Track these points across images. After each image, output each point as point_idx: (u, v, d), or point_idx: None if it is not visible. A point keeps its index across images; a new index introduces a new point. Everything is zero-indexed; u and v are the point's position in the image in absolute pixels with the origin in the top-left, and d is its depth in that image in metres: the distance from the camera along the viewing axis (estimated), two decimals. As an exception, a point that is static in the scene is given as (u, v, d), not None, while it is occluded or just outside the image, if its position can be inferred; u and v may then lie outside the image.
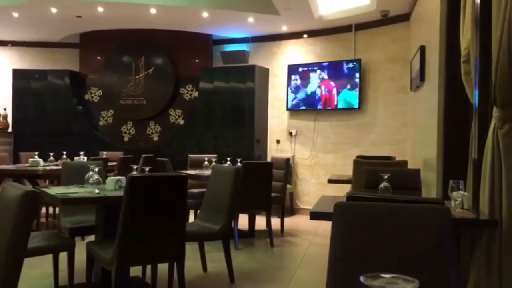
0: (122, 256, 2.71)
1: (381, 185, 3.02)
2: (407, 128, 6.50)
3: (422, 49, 4.75)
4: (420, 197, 1.51)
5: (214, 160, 5.85)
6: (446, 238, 1.42)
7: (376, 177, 3.10)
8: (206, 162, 5.84)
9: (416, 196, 2.81)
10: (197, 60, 8.15)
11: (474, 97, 2.92)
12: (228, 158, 5.94)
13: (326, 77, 7.27)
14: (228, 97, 7.63)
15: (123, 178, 3.25)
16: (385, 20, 6.63)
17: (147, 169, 3.68)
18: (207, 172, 5.32)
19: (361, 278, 0.64)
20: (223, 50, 8.08)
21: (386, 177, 3.00)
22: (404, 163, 4.89)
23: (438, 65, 3.85)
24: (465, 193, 2.70)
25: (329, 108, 7.26)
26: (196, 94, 8.04)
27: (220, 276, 3.87)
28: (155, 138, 8.25)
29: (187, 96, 8.13)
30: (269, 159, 7.30)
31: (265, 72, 7.72)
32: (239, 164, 5.26)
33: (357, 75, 6.97)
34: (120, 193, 2.88)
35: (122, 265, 2.77)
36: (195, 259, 4.04)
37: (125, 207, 2.71)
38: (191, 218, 4.91)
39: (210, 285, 3.75)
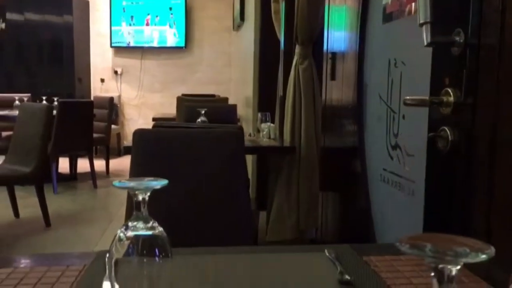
0: None
1: (199, 120, 3.11)
2: (231, 68, 6.72)
3: (242, -12, 4.86)
4: (219, 125, 1.60)
5: (26, 99, 5.32)
6: (237, 159, 1.53)
7: (195, 113, 3.18)
8: (17, 102, 5.26)
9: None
10: (2, -14, 7.11)
11: (281, 36, 3.12)
12: (44, 97, 5.45)
13: (151, 13, 7.01)
14: (43, 30, 6.86)
15: None
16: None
17: None
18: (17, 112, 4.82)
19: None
20: (34, -23, 7.17)
21: (203, 112, 3.10)
22: (225, 100, 5.09)
23: (254, 5, 4.00)
24: (271, 124, 2.94)
25: (156, 46, 7.08)
26: (3, 25, 7.05)
27: (34, 221, 3.64)
28: (-46, 76, 7.12)
29: (-8, 27, 7.11)
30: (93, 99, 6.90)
31: (85, 4, 7.10)
32: (55, 103, 4.86)
33: (183, 13, 6.88)
34: None
35: None
36: (4, 206, 3.72)
37: None
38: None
39: (22, 231, 3.50)
